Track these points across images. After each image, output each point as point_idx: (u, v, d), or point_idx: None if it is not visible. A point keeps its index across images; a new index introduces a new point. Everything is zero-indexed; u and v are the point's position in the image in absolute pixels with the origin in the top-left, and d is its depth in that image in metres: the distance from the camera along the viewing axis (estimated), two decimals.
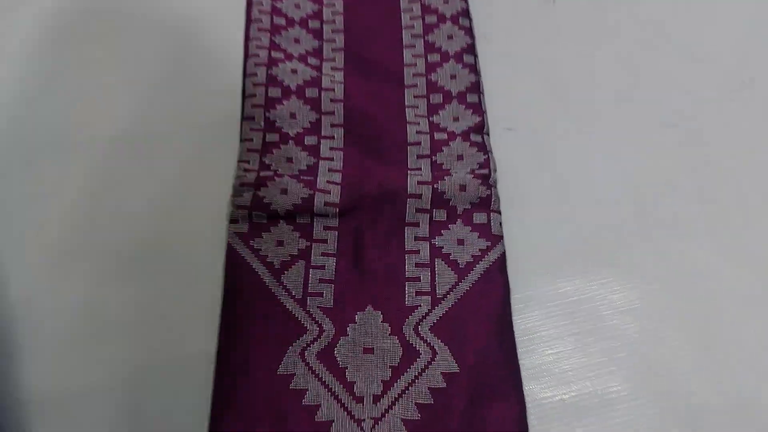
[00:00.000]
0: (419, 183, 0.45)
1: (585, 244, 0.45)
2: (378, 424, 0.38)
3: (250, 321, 0.41)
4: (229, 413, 0.38)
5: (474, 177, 0.46)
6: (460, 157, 0.48)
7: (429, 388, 0.39)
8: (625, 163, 0.49)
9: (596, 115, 0.52)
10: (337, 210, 0.44)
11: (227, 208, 0.46)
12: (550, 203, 0.48)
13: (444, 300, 0.42)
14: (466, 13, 0.56)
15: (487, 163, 0.48)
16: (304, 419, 0.38)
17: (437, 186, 0.45)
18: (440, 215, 0.45)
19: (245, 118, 0.50)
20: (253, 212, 0.45)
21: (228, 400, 0.38)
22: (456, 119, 0.51)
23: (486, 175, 0.46)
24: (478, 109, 0.51)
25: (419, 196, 0.45)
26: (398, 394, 0.39)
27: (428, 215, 0.45)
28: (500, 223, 0.45)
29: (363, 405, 0.38)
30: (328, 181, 0.46)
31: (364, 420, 0.38)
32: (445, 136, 0.49)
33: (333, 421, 0.38)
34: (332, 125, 0.50)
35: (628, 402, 0.40)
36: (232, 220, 0.45)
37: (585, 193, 0.48)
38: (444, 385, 0.39)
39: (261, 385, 0.39)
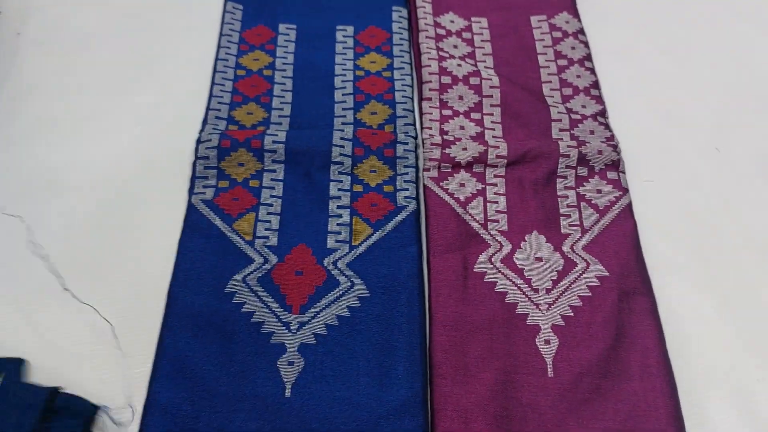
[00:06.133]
0: (568, 147, 0.60)
1: None
2: (551, 307, 0.52)
3: (444, 235, 0.55)
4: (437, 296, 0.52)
5: (607, 145, 0.61)
6: (591, 132, 0.63)
7: (587, 286, 0.53)
8: None
9: None
10: (506, 161, 0.59)
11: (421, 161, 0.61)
12: None
13: (590, 231, 0.57)
14: (582, 31, 0.73)
15: (612, 138, 0.63)
16: (496, 302, 0.52)
17: (582, 149, 0.60)
18: (582, 171, 0.60)
19: (424, 98, 0.66)
20: (441, 164, 0.60)
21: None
22: (584, 106, 0.66)
23: (615, 146, 0.61)
24: (600, 99, 0.66)
25: (568, 156, 0.60)
26: (564, 288, 0.53)
27: (574, 171, 0.60)
28: (626, 180, 0.60)
29: (539, 294, 0.53)
30: (496, 139, 0.61)
31: (540, 304, 0.52)
32: (579, 116, 0.64)
33: (518, 303, 0.52)
34: (491, 105, 0.65)
35: None
36: (425, 169, 0.60)
37: None
38: (598, 283, 0.53)
39: (452, 278, 0.53)
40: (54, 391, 0.46)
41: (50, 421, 0.45)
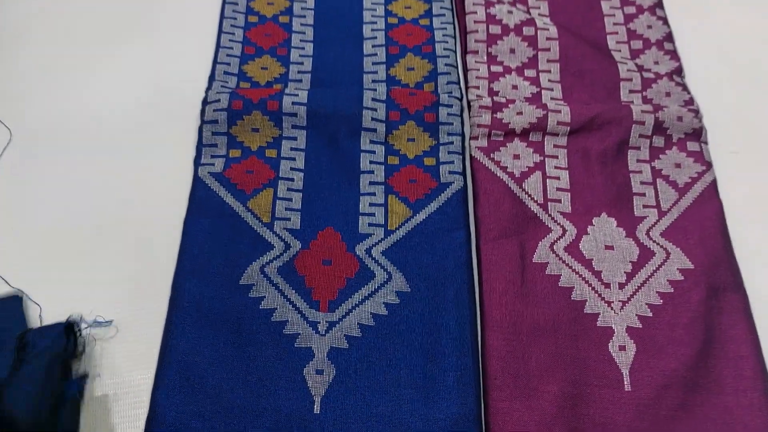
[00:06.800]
0: (643, 111, 0.51)
1: None
2: (625, 306, 0.44)
3: (496, 218, 0.47)
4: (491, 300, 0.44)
5: (687, 110, 0.51)
6: (668, 94, 0.54)
7: (668, 280, 0.45)
8: None
9: None
10: (569, 129, 0.50)
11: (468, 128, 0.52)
12: None
13: (668, 213, 0.48)
14: None
15: (692, 101, 0.53)
16: (561, 300, 0.44)
17: (658, 115, 0.51)
18: (659, 142, 0.51)
19: (468, 51, 0.56)
20: (492, 131, 0.51)
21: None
22: (657, 63, 0.56)
23: (696, 111, 0.52)
24: (675, 55, 0.56)
25: (642, 123, 0.50)
26: (641, 283, 0.45)
27: (649, 141, 0.51)
28: (709, 153, 0.51)
29: (611, 289, 0.45)
30: (556, 102, 0.52)
31: (612, 302, 0.44)
32: (652, 75, 0.55)
33: (586, 300, 0.44)
34: (548, 60, 0.56)
35: None
36: (473, 137, 0.51)
37: None
38: (682, 277, 0.45)
39: (508, 270, 0.45)
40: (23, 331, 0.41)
41: (26, 354, 0.39)
